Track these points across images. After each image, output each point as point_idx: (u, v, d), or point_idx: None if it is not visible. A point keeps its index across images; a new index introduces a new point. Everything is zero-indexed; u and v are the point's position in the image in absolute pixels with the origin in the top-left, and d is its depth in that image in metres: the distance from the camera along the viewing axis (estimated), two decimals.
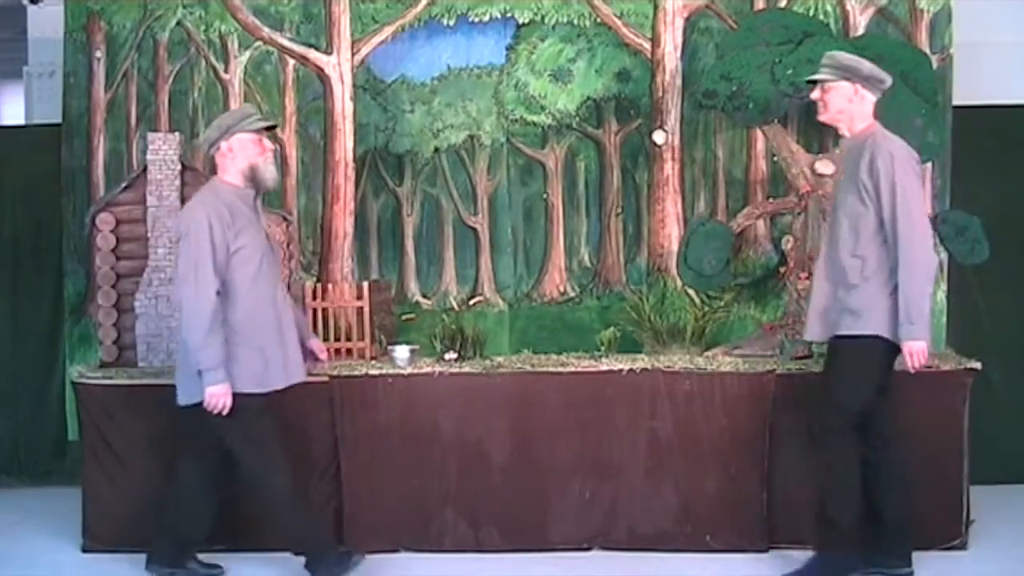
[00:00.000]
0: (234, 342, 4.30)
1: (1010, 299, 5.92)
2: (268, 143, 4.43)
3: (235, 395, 4.30)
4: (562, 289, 5.69)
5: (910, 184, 4.23)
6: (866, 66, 4.37)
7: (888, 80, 4.42)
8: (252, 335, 4.34)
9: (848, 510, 4.40)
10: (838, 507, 4.40)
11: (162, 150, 5.15)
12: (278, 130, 5.71)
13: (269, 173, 4.43)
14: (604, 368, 4.88)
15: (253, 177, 4.40)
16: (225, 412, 4.28)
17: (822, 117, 4.42)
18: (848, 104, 4.36)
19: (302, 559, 4.59)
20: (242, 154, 4.36)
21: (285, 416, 4.85)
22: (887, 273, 4.26)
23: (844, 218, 4.31)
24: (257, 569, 4.79)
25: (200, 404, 4.29)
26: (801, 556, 4.69)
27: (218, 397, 4.25)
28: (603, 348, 5.06)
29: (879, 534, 4.46)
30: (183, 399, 4.39)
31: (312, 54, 5.71)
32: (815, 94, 4.40)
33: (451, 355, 4.98)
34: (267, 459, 4.43)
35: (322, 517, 4.73)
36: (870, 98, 4.38)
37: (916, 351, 4.26)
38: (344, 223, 5.68)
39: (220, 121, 4.44)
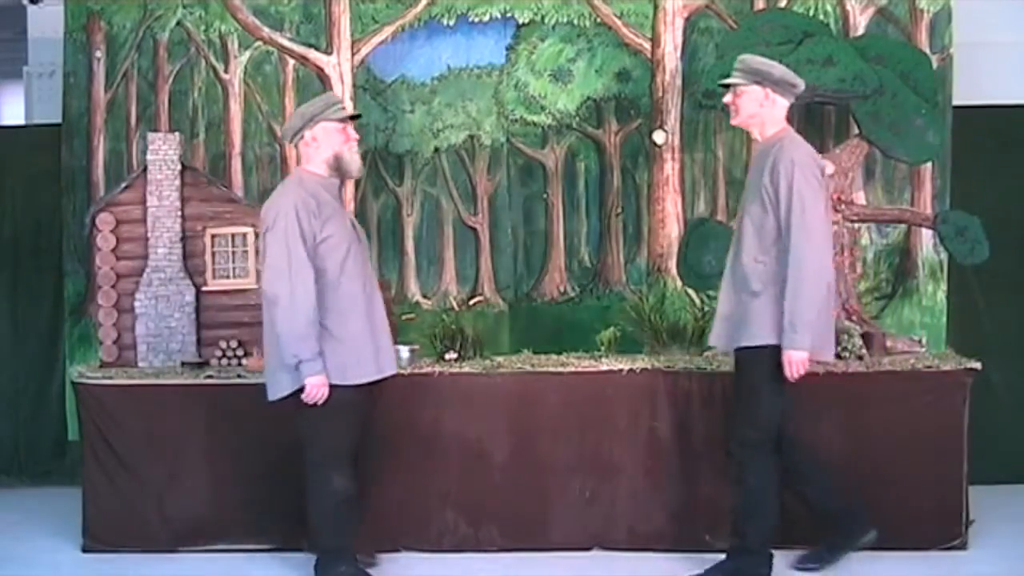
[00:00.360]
0: (323, 334, 4.24)
1: (1010, 299, 5.93)
2: (352, 132, 4.36)
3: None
4: (562, 289, 5.69)
5: (809, 191, 4.18)
6: (778, 70, 4.36)
7: (801, 85, 4.38)
8: (341, 326, 4.28)
9: (758, 528, 4.39)
10: (748, 523, 4.40)
11: (162, 150, 5.15)
12: (278, 130, 5.71)
13: (354, 162, 4.37)
14: (604, 368, 4.88)
15: (338, 166, 4.34)
16: (320, 403, 4.24)
17: (734, 121, 4.43)
18: (759, 108, 4.35)
19: (306, 559, 4.58)
20: (326, 143, 4.31)
21: (286, 416, 4.85)
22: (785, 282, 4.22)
23: (749, 223, 4.30)
24: (259, 569, 4.79)
25: (288, 397, 4.27)
26: (800, 556, 4.69)
27: (317, 388, 4.21)
28: (603, 348, 5.06)
29: (830, 525, 4.54)
30: (273, 394, 4.33)
31: (312, 54, 5.71)
32: (727, 98, 4.40)
33: (451, 355, 4.98)
34: (334, 459, 4.34)
35: (354, 530, 4.54)
36: (782, 102, 4.37)
37: (796, 361, 4.21)
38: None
39: (303, 110, 4.37)
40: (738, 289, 4.34)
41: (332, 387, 4.27)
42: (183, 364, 5.12)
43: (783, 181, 4.18)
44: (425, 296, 5.81)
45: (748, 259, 4.28)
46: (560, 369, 4.93)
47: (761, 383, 4.33)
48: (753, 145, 4.49)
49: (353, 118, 4.41)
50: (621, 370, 4.86)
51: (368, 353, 4.36)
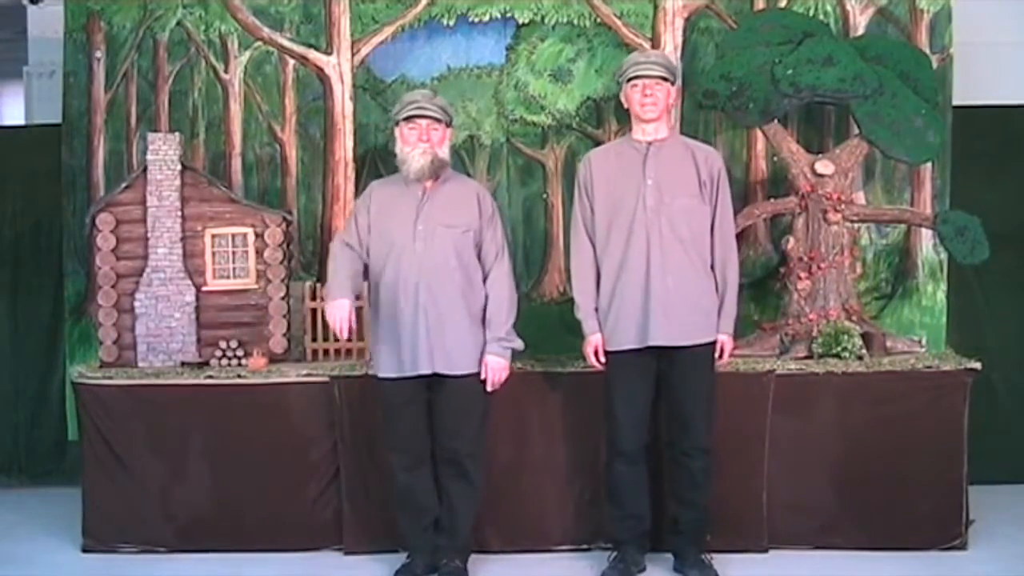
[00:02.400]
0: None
1: (1010, 299, 5.93)
2: (409, 133, 4.48)
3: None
4: (562, 289, 5.68)
5: (727, 186, 4.57)
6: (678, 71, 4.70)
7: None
8: (376, 319, 4.56)
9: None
10: (709, 527, 4.66)
11: (162, 150, 5.15)
12: (278, 130, 5.72)
13: (409, 162, 4.47)
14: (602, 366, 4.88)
15: (400, 165, 4.52)
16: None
17: (654, 115, 4.49)
18: (668, 103, 4.54)
19: (306, 559, 4.59)
20: (398, 143, 4.53)
21: (286, 416, 4.87)
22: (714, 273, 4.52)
23: (681, 214, 4.43)
24: (259, 569, 4.79)
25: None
26: (801, 556, 4.70)
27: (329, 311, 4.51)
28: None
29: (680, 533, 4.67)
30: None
31: (312, 54, 5.70)
32: (656, 91, 4.48)
33: None
34: (391, 451, 4.60)
35: (419, 530, 4.67)
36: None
37: (730, 345, 4.58)
38: (344, 223, 5.67)
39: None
40: (686, 280, 4.47)
41: (375, 378, 4.58)
42: (183, 364, 5.12)
43: (721, 176, 4.52)
44: None
45: (694, 254, 4.46)
46: (560, 369, 4.93)
47: (714, 378, 4.57)
48: (640, 137, 4.55)
49: (414, 118, 4.48)
50: None
51: (386, 347, 4.48)
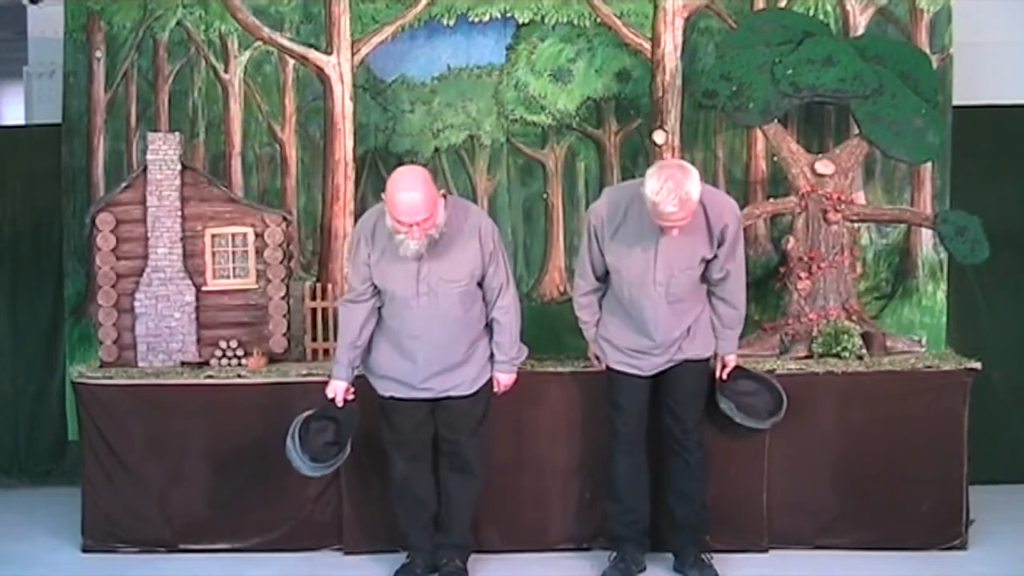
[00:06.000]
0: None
1: (1010, 299, 5.93)
2: (399, 226, 4.25)
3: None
4: (562, 289, 5.68)
5: (739, 236, 4.50)
6: None
7: None
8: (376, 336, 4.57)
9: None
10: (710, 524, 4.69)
11: (162, 150, 5.15)
12: (278, 130, 5.72)
13: (406, 247, 4.29)
14: (605, 368, 4.88)
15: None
16: None
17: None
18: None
19: (306, 559, 4.64)
20: (392, 222, 4.31)
21: (286, 416, 4.86)
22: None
23: (687, 278, 4.44)
24: (259, 569, 4.79)
25: None
26: (801, 556, 4.70)
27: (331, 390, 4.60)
28: None
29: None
30: None
31: (312, 54, 5.70)
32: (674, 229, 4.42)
33: None
34: (389, 446, 4.63)
35: (417, 526, 4.71)
36: None
37: (734, 362, 4.68)
38: (344, 223, 5.67)
39: None
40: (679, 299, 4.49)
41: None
42: (183, 364, 5.12)
43: (731, 231, 4.42)
44: None
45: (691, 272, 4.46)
46: (560, 369, 4.93)
47: (709, 374, 4.68)
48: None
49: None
50: None
51: (382, 374, 4.54)
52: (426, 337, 4.40)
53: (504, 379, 4.58)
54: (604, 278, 4.56)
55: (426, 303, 4.37)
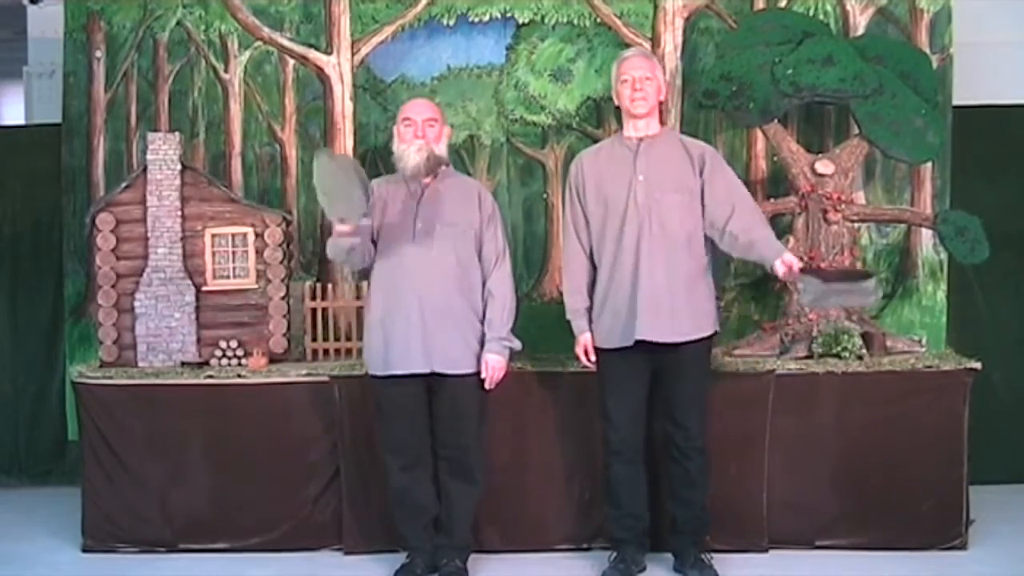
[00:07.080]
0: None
1: (1010, 299, 5.93)
2: (405, 130, 4.49)
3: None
4: (562, 289, 5.67)
5: (724, 164, 4.61)
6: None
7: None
8: (366, 309, 4.58)
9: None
10: (709, 525, 4.64)
11: (162, 150, 5.15)
12: (278, 130, 5.72)
13: (407, 159, 4.47)
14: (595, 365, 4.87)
15: (397, 163, 4.54)
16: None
17: (645, 109, 4.49)
18: (658, 98, 4.55)
19: (306, 559, 4.60)
20: (395, 140, 4.55)
21: (286, 416, 4.87)
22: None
23: (673, 210, 4.41)
24: (259, 569, 4.79)
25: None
26: (801, 556, 4.70)
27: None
28: None
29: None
30: None
31: (312, 54, 5.70)
32: (637, 86, 4.48)
33: None
34: (387, 451, 4.62)
35: (417, 529, 4.68)
36: None
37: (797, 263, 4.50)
38: None
39: None
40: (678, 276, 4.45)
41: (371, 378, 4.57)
42: (183, 364, 5.12)
43: (712, 158, 4.53)
44: None
45: (694, 248, 4.45)
46: (560, 369, 4.93)
47: (708, 376, 4.60)
48: (631, 134, 4.54)
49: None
50: None
51: (376, 344, 4.47)
52: (421, 283, 4.40)
53: (493, 361, 4.46)
54: (591, 257, 4.55)
55: (421, 247, 4.41)
